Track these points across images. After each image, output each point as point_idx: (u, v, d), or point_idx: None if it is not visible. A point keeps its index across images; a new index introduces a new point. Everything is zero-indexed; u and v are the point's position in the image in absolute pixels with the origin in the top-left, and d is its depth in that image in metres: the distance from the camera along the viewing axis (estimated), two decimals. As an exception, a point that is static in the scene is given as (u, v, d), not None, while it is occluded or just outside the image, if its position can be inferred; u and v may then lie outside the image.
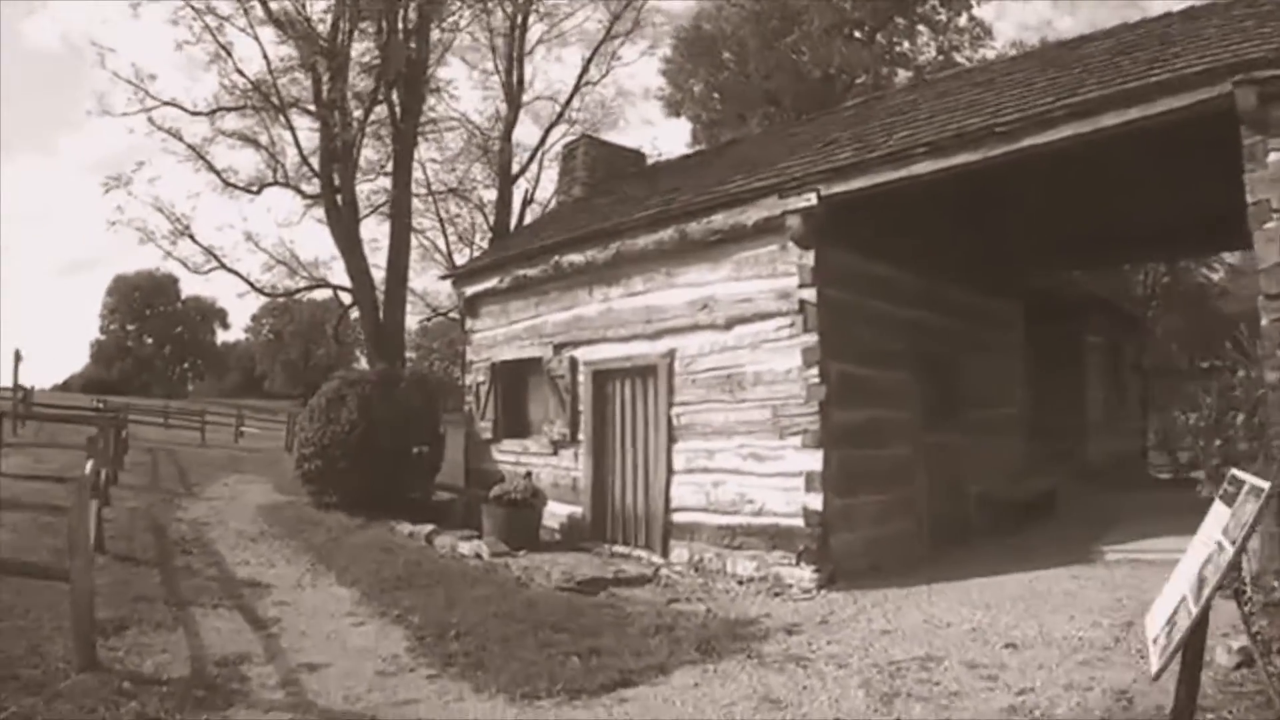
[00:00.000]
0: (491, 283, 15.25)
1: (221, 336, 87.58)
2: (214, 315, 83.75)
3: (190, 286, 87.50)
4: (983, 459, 13.11)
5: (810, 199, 9.72)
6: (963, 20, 36.02)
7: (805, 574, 9.56)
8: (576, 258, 13.03)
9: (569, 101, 30.40)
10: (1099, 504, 15.25)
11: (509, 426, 15.04)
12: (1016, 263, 14.73)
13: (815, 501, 9.62)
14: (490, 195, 30.72)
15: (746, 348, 10.47)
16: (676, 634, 7.70)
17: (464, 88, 76.72)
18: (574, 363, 13.18)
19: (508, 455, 14.72)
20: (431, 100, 27.83)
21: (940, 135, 9.04)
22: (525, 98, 29.80)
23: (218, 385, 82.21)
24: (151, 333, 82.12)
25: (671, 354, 11.41)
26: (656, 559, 11.24)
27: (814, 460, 9.65)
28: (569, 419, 13.20)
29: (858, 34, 35.32)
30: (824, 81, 32.75)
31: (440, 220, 31.96)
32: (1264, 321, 7.02)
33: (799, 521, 9.72)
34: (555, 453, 13.52)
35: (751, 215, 10.31)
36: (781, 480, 9.96)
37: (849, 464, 9.95)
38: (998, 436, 13.91)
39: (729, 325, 10.69)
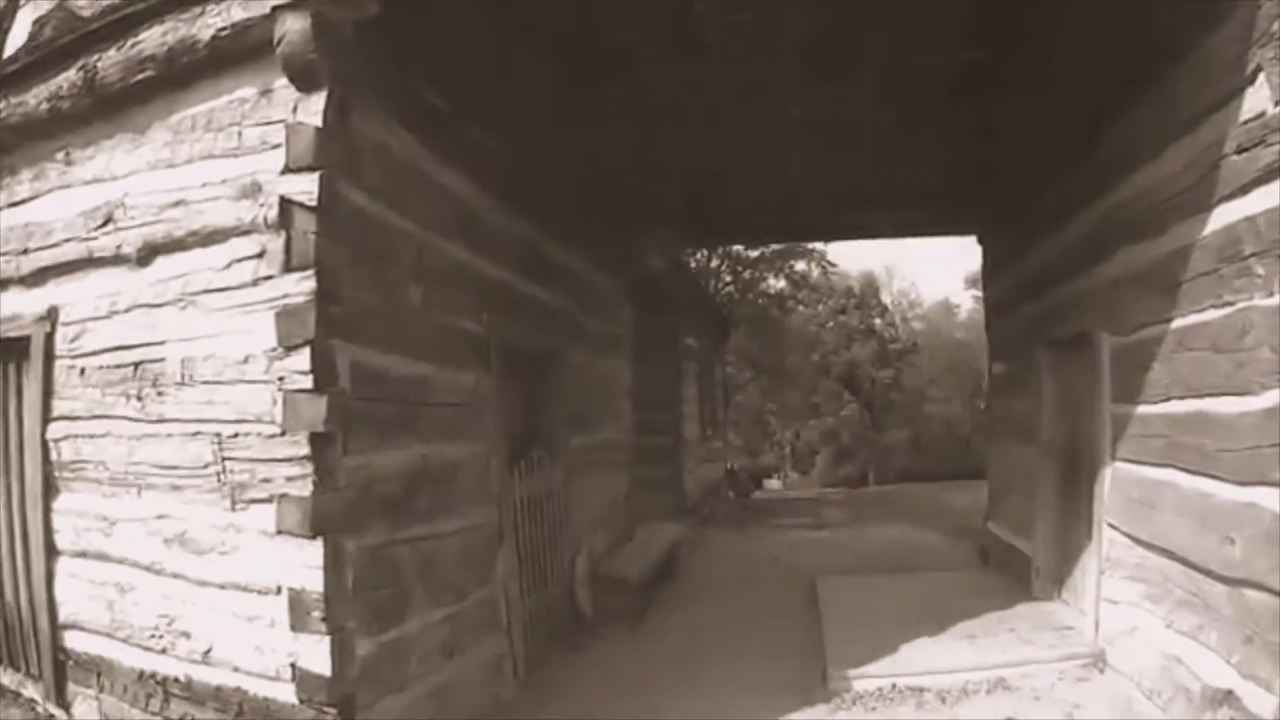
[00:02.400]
0: None
1: None
2: None
3: None
4: (589, 512, 8.81)
5: (339, -23, 4.41)
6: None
7: (312, 799, 4.34)
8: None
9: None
10: (739, 555, 11.97)
11: None
12: (646, 218, 10.57)
13: (315, 654, 4.30)
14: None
15: (173, 303, 4.91)
16: None
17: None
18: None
19: None
20: None
21: None
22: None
23: None
24: None
25: (53, 316, 5.64)
26: (54, 710, 5.59)
27: (306, 561, 4.33)
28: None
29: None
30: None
31: None
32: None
33: (285, 692, 4.41)
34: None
35: (211, 21, 4.68)
36: (239, 599, 4.60)
37: (386, 561, 4.89)
38: (605, 474, 9.69)
39: (146, 257, 5.05)
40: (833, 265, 33.09)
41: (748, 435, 51.74)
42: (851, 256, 63.82)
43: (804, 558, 11.52)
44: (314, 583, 4.28)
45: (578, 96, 7.82)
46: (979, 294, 42.77)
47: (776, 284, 35.55)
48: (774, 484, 36.06)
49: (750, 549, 12.61)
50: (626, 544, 9.80)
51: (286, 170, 4.39)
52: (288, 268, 4.35)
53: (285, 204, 4.36)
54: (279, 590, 4.39)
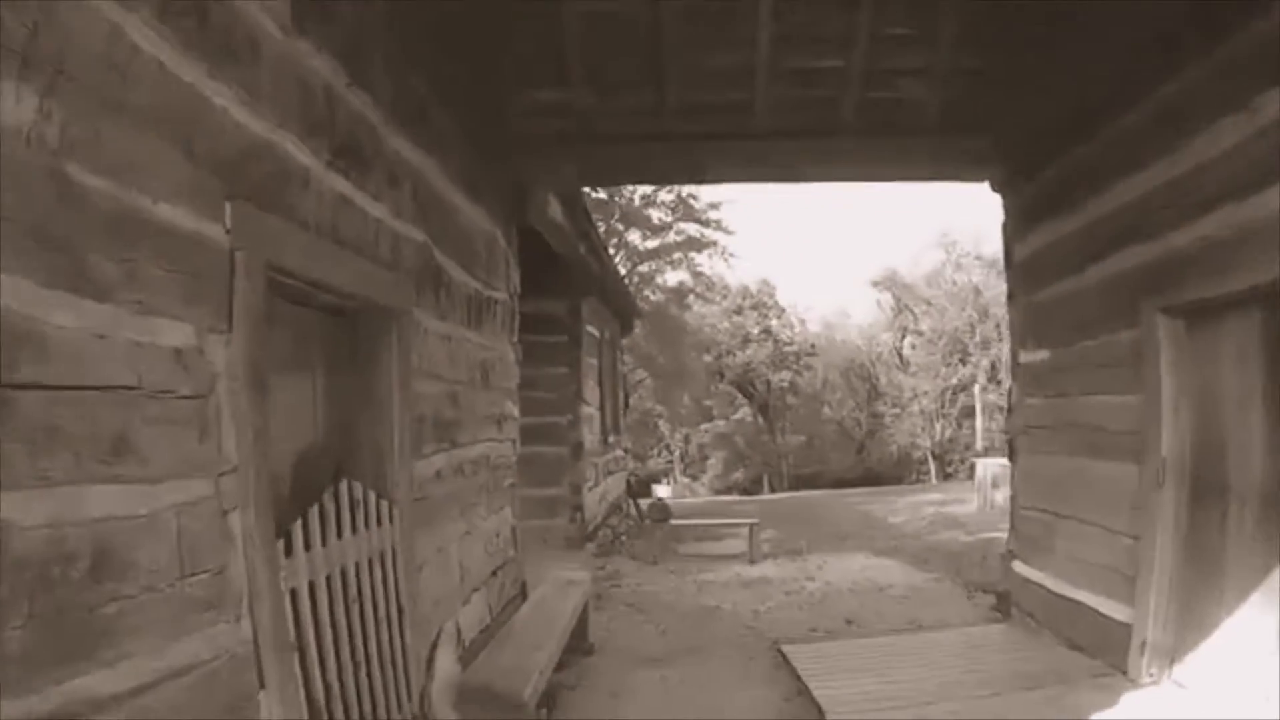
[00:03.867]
0: None
1: None
2: None
3: None
4: (455, 572, 5.59)
5: None
6: None
7: None
8: None
9: None
10: (667, 604, 9.16)
11: None
12: (545, 128, 7.54)
13: None
14: None
15: None
16: None
17: None
18: None
19: None
20: None
21: None
22: None
23: None
24: None
25: None
26: None
27: None
28: None
29: None
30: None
31: None
32: None
33: None
34: None
35: None
36: None
37: None
38: (481, 508, 6.44)
39: None
40: (734, 256, 30.87)
41: (636, 439, 49.44)
42: (747, 256, 62.42)
43: (756, 608, 8.85)
44: None
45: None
46: (882, 296, 41.28)
47: (676, 276, 33.14)
48: (663, 490, 33.67)
49: (679, 594, 9.72)
50: (516, 612, 6.61)
51: None
52: None
53: None
54: None
